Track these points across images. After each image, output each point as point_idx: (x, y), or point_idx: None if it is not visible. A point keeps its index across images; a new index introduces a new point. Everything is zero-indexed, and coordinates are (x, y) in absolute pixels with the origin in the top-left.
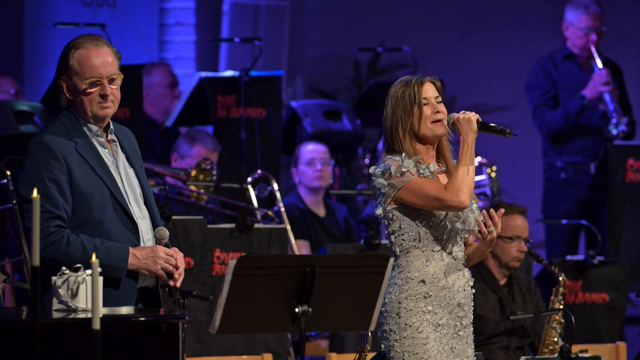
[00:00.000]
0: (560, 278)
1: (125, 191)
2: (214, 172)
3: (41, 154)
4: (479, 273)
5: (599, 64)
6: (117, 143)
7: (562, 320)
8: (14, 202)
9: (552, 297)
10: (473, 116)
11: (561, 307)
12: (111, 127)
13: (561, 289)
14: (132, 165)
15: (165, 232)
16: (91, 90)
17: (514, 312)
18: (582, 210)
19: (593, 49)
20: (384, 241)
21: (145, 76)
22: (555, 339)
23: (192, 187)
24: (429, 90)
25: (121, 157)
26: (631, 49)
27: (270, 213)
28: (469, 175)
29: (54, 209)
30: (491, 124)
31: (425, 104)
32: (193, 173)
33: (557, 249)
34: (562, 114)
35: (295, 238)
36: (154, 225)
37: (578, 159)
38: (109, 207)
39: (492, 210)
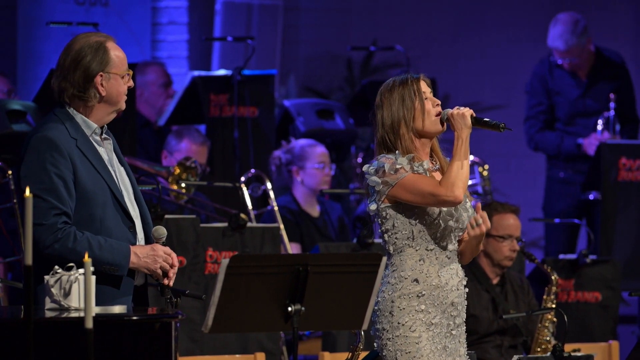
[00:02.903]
0: (553, 277)
1: (121, 190)
2: (198, 171)
3: (47, 150)
4: (472, 272)
5: (599, 125)
6: (110, 141)
7: (555, 319)
8: (15, 200)
9: (545, 296)
10: (467, 111)
11: (554, 306)
12: (105, 125)
13: (554, 288)
14: (122, 164)
15: (163, 231)
16: (128, 83)
17: (506, 311)
18: (580, 209)
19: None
20: (377, 240)
21: (139, 75)
22: (548, 338)
23: (180, 186)
24: (424, 87)
25: (113, 155)
26: (625, 47)
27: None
28: (463, 170)
29: (60, 205)
30: (485, 119)
31: (425, 99)
32: (176, 171)
33: (555, 247)
34: (555, 144)
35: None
36: (144, 224)
37: (577, 158)
38: (109, 206)
39: (480, 209)
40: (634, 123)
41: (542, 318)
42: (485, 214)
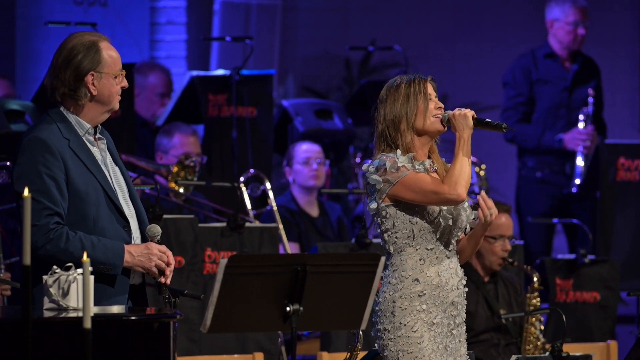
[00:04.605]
0: (535, 277)
1: (115, 189)
2: (197, 169)
3: (38, 151)
4: (464, 269)
5: (581, 124)
6: (104, 141)
7: (541, 318)
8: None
9: (528, 294)
10: (469, 112)
11: (538, 304)
12: (99, 125)
13: (536, 285)
14: (117, 163)
15: (157, 229)
16: (122, 84)
17: (497, 310)
18: (557, 209)
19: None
20: (376, 240)
21: (140, 75)
22: (537, 335)
23: (177, 186)
24: (430, 89)
25: (107, 155)
26: (624, 46)
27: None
28: (465, 169)
29: (52, 206)
30: (487, 120)
31: (430, 100)
32: (174, 169)
33: (531, 247)
34: (534, 137)
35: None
36: (140, 224)
37: (552, 159)
38: (103, 205)
39: (481, 196)
40: (601, 128)
41: (528, 317)
42: (490, 202)
